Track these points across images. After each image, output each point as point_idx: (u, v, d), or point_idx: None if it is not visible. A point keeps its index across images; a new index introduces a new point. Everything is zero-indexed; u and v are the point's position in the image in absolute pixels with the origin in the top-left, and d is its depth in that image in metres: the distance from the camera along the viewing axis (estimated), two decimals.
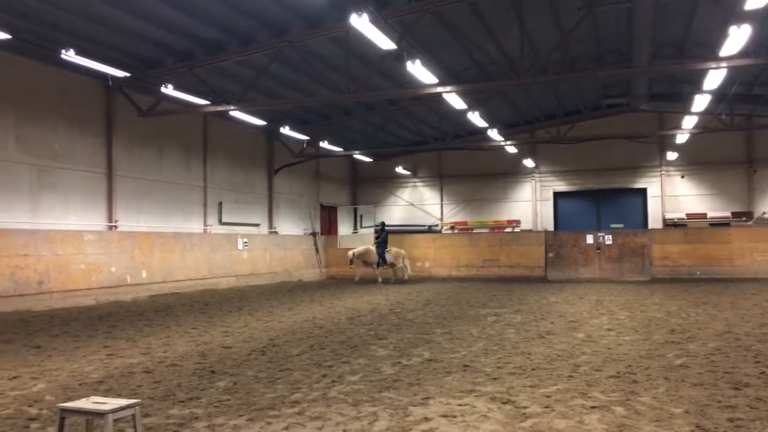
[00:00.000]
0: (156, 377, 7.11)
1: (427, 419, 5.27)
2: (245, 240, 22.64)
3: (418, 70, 14.46)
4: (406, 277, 23.09)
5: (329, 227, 30.18)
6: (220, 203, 22.22)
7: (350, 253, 22.93)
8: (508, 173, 30.30)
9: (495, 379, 6.77)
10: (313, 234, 28.00)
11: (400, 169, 30.99)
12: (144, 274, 17.48)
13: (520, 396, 6.00)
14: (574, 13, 15.55)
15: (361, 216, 31.75)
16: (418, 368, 7.39)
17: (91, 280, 15.73)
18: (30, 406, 5.85)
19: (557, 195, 30.36)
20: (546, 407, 5.59)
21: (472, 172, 30.46)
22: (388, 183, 32.11)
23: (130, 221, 17.96)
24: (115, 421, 3.75)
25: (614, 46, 19.63)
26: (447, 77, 18.23)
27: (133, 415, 3.84)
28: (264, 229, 24.90)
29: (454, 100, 17.66)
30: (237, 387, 6.56)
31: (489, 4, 15.39)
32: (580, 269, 23.90)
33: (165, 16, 13.91)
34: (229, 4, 13.74)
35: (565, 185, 30.14)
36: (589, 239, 23.99)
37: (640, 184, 29.11)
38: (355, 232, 30.39)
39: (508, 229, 29.59)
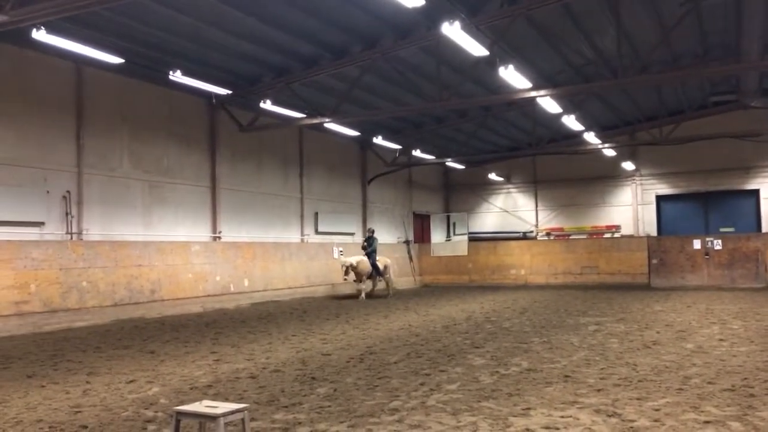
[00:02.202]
0: (260, 382, 7.37)
1: (528, 430, 5.18)
2: (341, 249, 23.07)
3: (511, 75, 14.28)
4: (391, 292, 20.91)
5: (422, 235, 30.25)
6: (316, 213, 22.77)
7: (345, 261, 19.51)
8: (607, 177, 29.26)
9: (599, 390, 6.55)
10: (407, 242, 28.14)
11: (493, 176, 30.63)
12: (246, 283, 18.18)
13: (626, 409, 5.78)
14: (676, 8, 14.88)
15: (454, 223, 31.60)
16: (517, 378, 7.28)
17: (198, 289, 16.52)
18: (146, 408, 6.21)
19: (660, 198, 29.00)
20: (655, 421, 5.36)
21: (568, 177, 29.65)
22: (480, 190, 31.82)
23: (232, 232, 18.74)
24: (226, 424, 3.93)
25: (721, 40, 18.58)
26: (541, 81, 17.88)
27: (243, 419, 4.01)
28: (358, 237, 25.26)
29: (549, 104, 17.29)
30: (337, 394, 6.69)
31: (583, 5, 14.99)
32: (686, 276, 22.71)
33: (263, 34, 14.48)
34: (323, 19, 14.13)
35: (668, 188, 28.75)
36: (697, 244, 22.76)
37: (752, 185, 27.32)
38: (449, 240, 30.30)
39: (608, 235, 28.54)
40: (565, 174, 29.63)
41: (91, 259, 13.90)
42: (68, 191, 14.21)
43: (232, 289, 17.60)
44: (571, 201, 29.95)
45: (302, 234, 22.05)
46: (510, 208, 31.37)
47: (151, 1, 11.98)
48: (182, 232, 17.03)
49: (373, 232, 21.20)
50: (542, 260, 26.22)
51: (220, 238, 18.22)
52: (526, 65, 16.86)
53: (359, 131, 21.20)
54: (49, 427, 5.54)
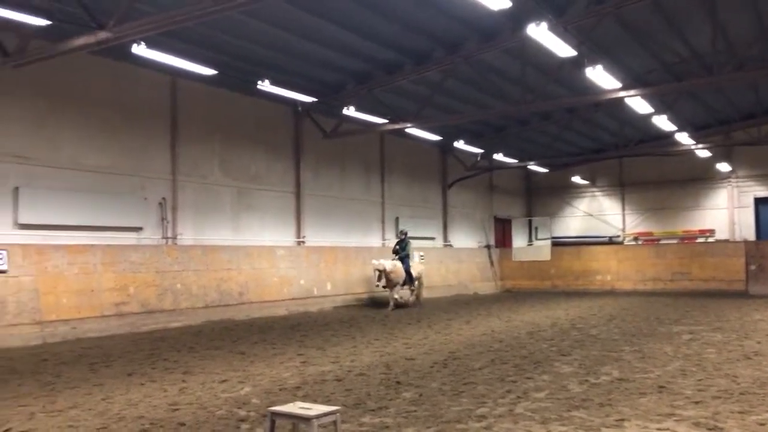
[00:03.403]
0: (347, 385, 7.48)
1: None
2: (421, 253, 23.06)
3: (599, 76, 13.89)
4: (420, 300, 18.94)
5: (503, 240, 29.85)
6: (397, 218, 22.89)
7: (378, 265, 17.39)
8: (699, 179, 27.92)
9: (697, 402, 6.27)
10: (488, 247, 27.86)
11: (577, 179, 29.85)
12: (329, 287, 18.49)
13: (728, 423, 5.50)
14: None
15: (536, 228, 30.96)
16: (608, 387, 7.06)
17: (283, 292, 16.95)
18: (239, 408, 6.43)
19: (759, 201, 27.37)
20: None
21: (658, 179, 28.48)
22: (564, 193, 31.07)
23: (316, 237, 19.12)
24: (318, 426, 4.01)
25: None
26: (630, 81, 17.27)
27: (335, 422, 4.09)
28: (439, 242, 25.23)
29: (638, 104, 16.69)
30: (423, 399, 6.70)
31: (674, 1, 14.41)
32: None
33: (347, 42, 14.72)
34: (405, 24, 14.22)
35: (767, 190, 27.14)
36: None
37: None
38: (531, 244, 29.72)
39: (701, 240, 27.22)
40: (655, 176, 28.49)
41: (185, 262, 14.54)
42: (164, 198, 14.92)
43: (315, 292, 17.94)
44: (660, 204, 28.76)
45: (383, 238, 22.21)
46: (595, 212, 30.46)
47: (242, 15, 12.41)
48: (268, 237, 17.51)
49: (406, 234, 18.96)
50: (630, 266, 25.31)
51: (304, 242, 18.62)
52: (614, 65, 16.34)
53: (441, 135, 21.14)
54: (150, 424, 5.83)
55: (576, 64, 15.17)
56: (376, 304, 19.21)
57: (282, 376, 8.11)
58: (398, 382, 7.58)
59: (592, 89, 16.37)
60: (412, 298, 18.77)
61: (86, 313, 12.32)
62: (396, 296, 17.84)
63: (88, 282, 12.53)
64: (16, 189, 12.23)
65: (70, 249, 12.45)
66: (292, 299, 17.14)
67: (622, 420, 5.67)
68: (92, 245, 12.91)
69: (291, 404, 4.26)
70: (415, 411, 6.17)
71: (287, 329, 13.35)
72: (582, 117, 23.04)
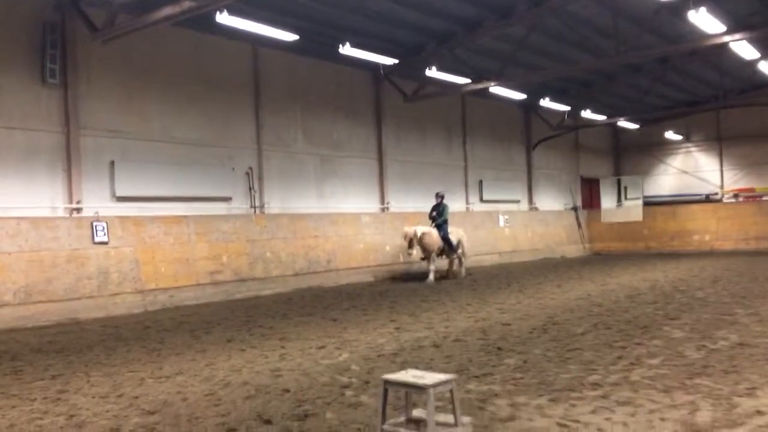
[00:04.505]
0: (445, 352, 7.29)
1: (760, 413, 4.59)
2: (506, 217, 22.56)
3: (703, 19, 12.85)
4: (463, 271, 16.79)
5: (590, 201, 28.77)
6: (480, 181, 22.40)
7: (408, 231, 15.50)
8: None
9: None
10: (575, 208, 26.95)
11: (670, 135, 28.24)
12: (414, 252, 18.28)
13: None
14: None
15: (625, 187, 29.60)
16: (729, 353, 6.57)
17: (369, 258, 16.92)
18: (340, 374, 6.35)
19: None
20: None
21: (759, 132, 26.49)
22: (655, 150, 29.49)
23: (399, 202, 18.94)
24: (435, 395, 3.82)
25: None
26: (732, 24, 16.00)
27: (451, 390, 3.88)
28: (524, 205, 24.58)
29: (744, 49, 15.43)
30: (528, 365, 6.43)
31: None
32: None
33: (427, 0, 14.24)
34: None
35: None
36: None
37: None
38: (620, 205, 28.48)
39: None
40: (756, 129, 26.52)
41: (273, 231, 14.70)
42: (250, 167, 15.08)
43: (400, 258, 17.81)
44: (763, 158, 26.83)
45: (467, 203, 21.81)
46: (690, 169, 28.81)
47: None
48: (352, 204, 17.47)
49: (443, 197, 16.61)
50: (730, 224, 23.90)
51: (388, 208, 18.50)
52: (715, 8, 15.13)
53: (524, 94, 20.34)
54: (255, 390, 5.83)
55: (673, 10, 14.16)
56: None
57: (378, 342, 8.02)
58: (499, 348, 7.33)
59: (689, 35, 15.29)
60: (455, 269, 16.81)
61: (183, 282, 12.67)
62: (432, 266, 15.72)
63: (183, 251, 12.86)
64: (112, 163, 12.62)
65: (165, 220, 12.79)
66: (378, 266, 17.09)
67: (754, 389, 5.21)
68: (185, 216, 13.22)
69: (403, 372, 4.09)
70: (521, 378, 5.91)
71: (375, 295, 13.31)
72: (676, 68, 21.63)
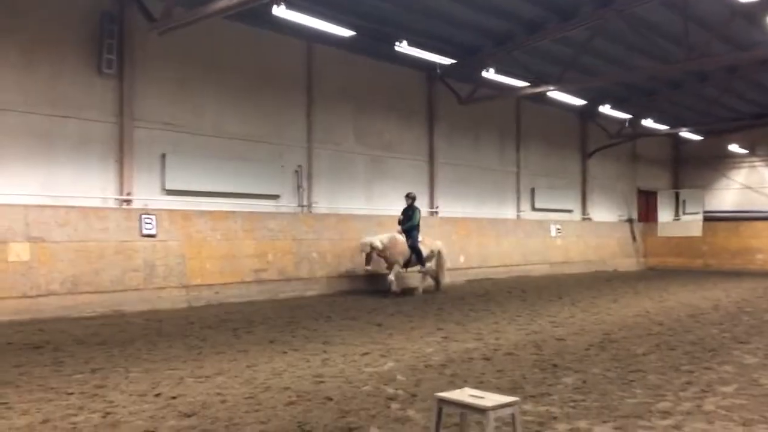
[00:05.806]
0: (496, 366, 6.88)
1: None
2: (558, 226, 21.89)
3: None
4: (441, 282, 14.92)
5: (647, 213, 27.74)
6: (533, 189, 21.79)
7: (366, 241, 13.36)
8: None
9: None
10: (630, 221, 26.02)
11: (733, 147, 26.99)
12: (461, 259, 17.85)
13: None
14: None
15: (683, 201, 28.46)
16: None
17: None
18: (385, 384, 6.01)
19: None
20: None
21: None
22: (717, 163, 28.23)
23: (448, 207, 18.51)
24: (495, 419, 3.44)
25: None
26: None
27: (513, 415, 3.49)
28: (577, 215, 23.82)
29: None
30: (587, 386, 5.97)
31: None
32: None
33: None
34: None
35: None
36: None
37: None
38: (678, 219, 27.39)
39: None
40: None
41: (320, 230, 14.46)
42: (300, 165, 14.89)
43: (448, 265, 17.34)
44: None
45: (518, 210, 21.23)
46: (754, 185, 27.49)
47: None
48: (400, 207, 17.06)
49: (414, 198, 14.38)
50: None
51: (437, 212, 18.09)
52: None
53: (583, 100, 19.64)
54: (297, 396, 5.54)
55: (748, 15, 13.39)
56: (511, 278, 18.38)
57: (425, 351, 7.65)
58: (554, 365, 6.87)
59: (763, 43, 14.43)
60: (424, 284, 14.52)
61: (228, 279, 12.53)
62: (392, 277, 13.59)
63: (229, 248, 12.73)
64: (163, 155, 12.58)
65: (213, 215, 12.68)
66: (423, 271, 16.63)
67: None
68: (233, 212, 13.10)
69: (459, 390, 3.72)
70: (583, 401, 5.46)
71: (422, 301, 12.93)
72: (744, 77, 20.58)
